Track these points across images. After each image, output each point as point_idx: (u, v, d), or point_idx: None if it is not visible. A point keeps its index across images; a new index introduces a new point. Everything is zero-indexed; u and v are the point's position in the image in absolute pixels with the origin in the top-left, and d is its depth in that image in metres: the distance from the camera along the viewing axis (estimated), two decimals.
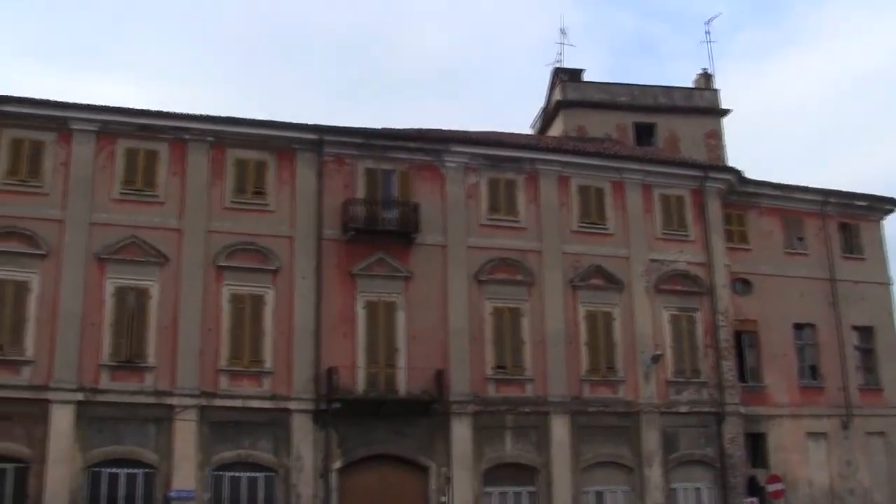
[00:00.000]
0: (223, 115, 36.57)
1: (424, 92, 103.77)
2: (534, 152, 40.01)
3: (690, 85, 50.00)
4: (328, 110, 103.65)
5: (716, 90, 49.22)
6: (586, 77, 49.21)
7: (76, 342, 33.55)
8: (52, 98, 35.41)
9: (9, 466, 32.36)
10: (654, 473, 37.87)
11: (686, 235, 40.66)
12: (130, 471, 33.37)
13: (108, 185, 35.17)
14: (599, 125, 46.48)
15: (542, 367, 37.49)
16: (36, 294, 33.69)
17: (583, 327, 38.39)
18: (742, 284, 42.10)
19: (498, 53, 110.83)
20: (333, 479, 34.75)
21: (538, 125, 50.57)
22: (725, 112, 48.49)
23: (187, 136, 36.08)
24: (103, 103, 35.93)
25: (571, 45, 63.72)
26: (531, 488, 36.68)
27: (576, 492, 36.78)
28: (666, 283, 39.76)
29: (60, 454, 32.54)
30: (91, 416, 33.18)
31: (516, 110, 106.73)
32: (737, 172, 42.27)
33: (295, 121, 37.08)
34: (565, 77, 48.22)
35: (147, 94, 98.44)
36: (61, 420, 32.84)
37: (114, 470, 33.22)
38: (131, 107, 36.06)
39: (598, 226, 39.62)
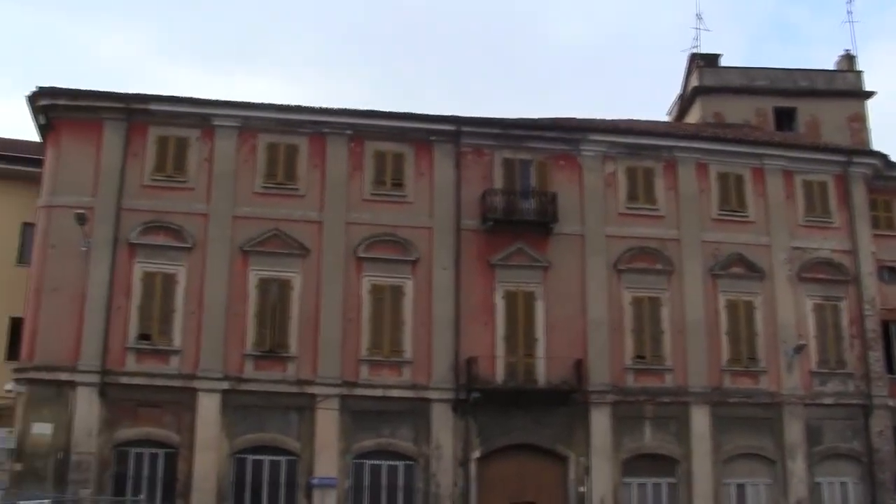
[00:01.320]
0: (361, 108, 37.16)
1: (560, 81, 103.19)
2: (672, 140, 39.48)
3: (832, 67, 48.60)
4: (465, 101, 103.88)
5: (859, 72, 47.61)
6: (723, 62, 48.21)
7: (221, 332, 34.47)
8: (195, 96, 36.45)
9: (160, 451, 33.57)
10: (798, 467, 36.95)
11: (830, 222, 39.57)
12: (274, 458, 34.14)
13: (250, 179, 35.99)
14: (738, 111, 45.51)
15: (682, 356, 36.98)
16: (182, 286, 34.74)
17: (723, 316, 37.71)
18: (889, 272, 40.73)
19: (633, 41, 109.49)
20: (472, 467, 34.95)
21: (675, 112, 49.81)
22: (869, 94, 46.88)
23: (326, 130, 36.63)
24: (244, 100, 36.76)
25: (707, 30, 62.84)
26: (671, 479, 36.24)
27: (716, 484, 36.19)
28: (809, 272, 38.75)
29: (207, 441, 33.53)
30: (236, 404, 34.06)
31: (652, 98, 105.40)
32: (883, 156, 40.93)
33: (432, 112, 37.45)
34: (702, 63, 47.32)
35: (287, 89, 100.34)
36: (208, 408, 33.83)
37: (258, 457, 34.04)
38: (271, 102, 36.79)
39: (739, 213, 38.86)
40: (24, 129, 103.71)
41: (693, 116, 47.16)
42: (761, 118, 45.49)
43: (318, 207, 35.98)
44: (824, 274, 38.93)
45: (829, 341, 38.35)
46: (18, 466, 32.51)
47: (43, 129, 36.22)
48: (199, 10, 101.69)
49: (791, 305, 38.28)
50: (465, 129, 37.31)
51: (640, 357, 36.81)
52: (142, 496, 32.25)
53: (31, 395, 33.21)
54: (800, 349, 37.44)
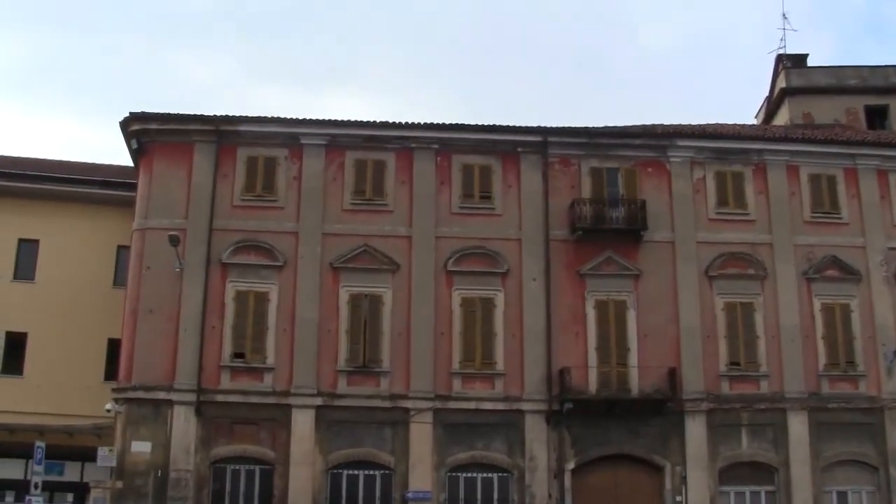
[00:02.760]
0: (447, 122, 37.31)
1: (645, 87, 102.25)
2: (761, 143, 38.92)
3: None
4: (550, 111, 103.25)
5: None
6: (811, 62, 47.61)
7: (314, 349, 34.79)
8: (282, 116, 36.88)
9: (256, 468, 33.97)
10: None
11: None
12: (368, 472, 34.34)
13: (339, 197, 36.33)
14: (827, 111, 44.83)
15: (778, 362, 36.33)
16: (275, 304, 35.16)
17: (819, 320, 36.93)
18: None
19: (718, 44, 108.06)
20: (567, 479, 34.77)
21: (763, 115, 49.16)
22: None
23: (413, 145, 36.87)
24: (331, 117, 37.12)
25: (794, 30, 61.85)
26: (769, 488, 35.60)
27: (817, 492, 35.39)
28: None
29: (302, 456, 33.87)
30: (330, 419, 34.35)
31: (740, 101, 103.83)
32: None
33: (518, 124, 37.44)
34: (789, 63, 46.74)
35: (372, 106, 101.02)
36: (302, 424, 34.15)
37: (353, 471, 34.29)
38: (358, 119, 37.11)
39: (832, 215, 38.08)
40: (118, 154, 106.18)
41: (781, 118, 46.51)
42: (852, 117, 44.79)
43: (407, 222, 36.18)
44: None
45: None
46: (119, 484, 33.17)
47: (135, 154, 36.88)
48: (286, 33, 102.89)
49: (889, 307, 37.33)
50: (551, 139, 37.23)
51: (734, 364, 36.25)
52: None
53: (130, 415, 33.84)
54: None
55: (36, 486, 28.18)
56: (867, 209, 38.23)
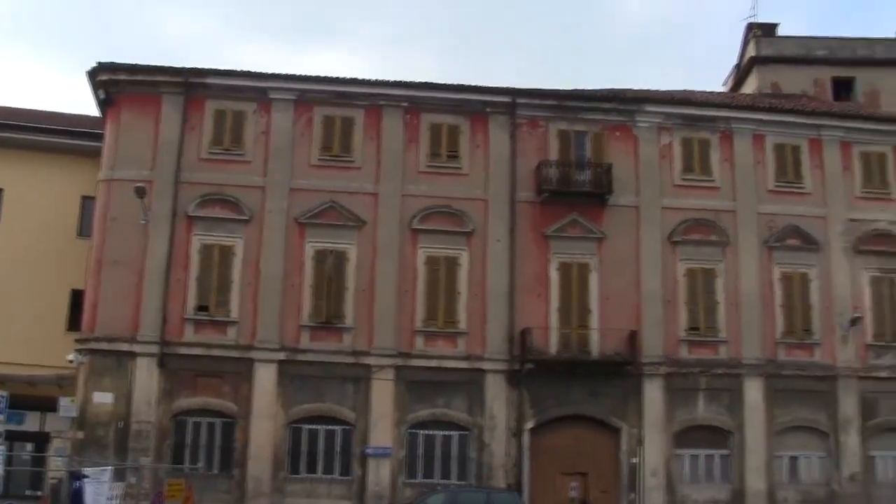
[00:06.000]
0: (417, 80, 37.24)
1: (615, 52, 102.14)
2: (728, 110, 39.18)
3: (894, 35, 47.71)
4: (521, 74, 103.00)
5: None
6: (782, 31, 47.70)
7: (278, 304, 34.87)
8: (251, 69, 36.73)
9: (217, 421, 34.17)
10: (852, 440, 36.63)
11: (888, 194, 38.90)
12: (329, 427, 34.61)
13: (307, 152, 36.28)
14: (795, 81, 44.97)
15: (737, 328, 36.80)
16: (240, 258, 35.20)
17: (778, 289, 37.40)
18: None
19: (689, 10, 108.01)
20: (526, 438, 35.16)
21: (731, 83, 49.32)
22: None
23: (382, 102, 36.81)
24: (300, 73, 37.03)
25: None
26: (724, 451, 36.18)
27: (769, 456, 36.04)
28: (866, 244, 38.22)
29: (264, 410, 34.06)
30: (292, 374, 34.53)
31: (708, 68, 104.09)
32: None
33: (488, 84, 37.39)
34: (759, 32, 46.78)
35: (345, 66, 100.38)
36: (265, 378, 34.33)
37: (314, 426, 34.51)
38: (327, 75, 37.04)
39: (795, 185, 38.42)
40: (85, 104, 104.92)
41: (750, 87, 46.68)
42: (819, 88, 44.98)
43: (374, 179, 36.20)
44: (882, 246, 38.38)
45: (886, 314, 37.82)
46: (80, 434, 33.26)
47: (103, 105, 36.71)
48: None
49: (847, 278, 37.86)
50: (520, 100, 37.27)
51: (693, 329, 36.69)
52: (200, 464, 32.87)
53: (93, 366, 33.90)
54: (855, 322, 37.10)
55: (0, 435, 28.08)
56: (830, 180, 38.64)
